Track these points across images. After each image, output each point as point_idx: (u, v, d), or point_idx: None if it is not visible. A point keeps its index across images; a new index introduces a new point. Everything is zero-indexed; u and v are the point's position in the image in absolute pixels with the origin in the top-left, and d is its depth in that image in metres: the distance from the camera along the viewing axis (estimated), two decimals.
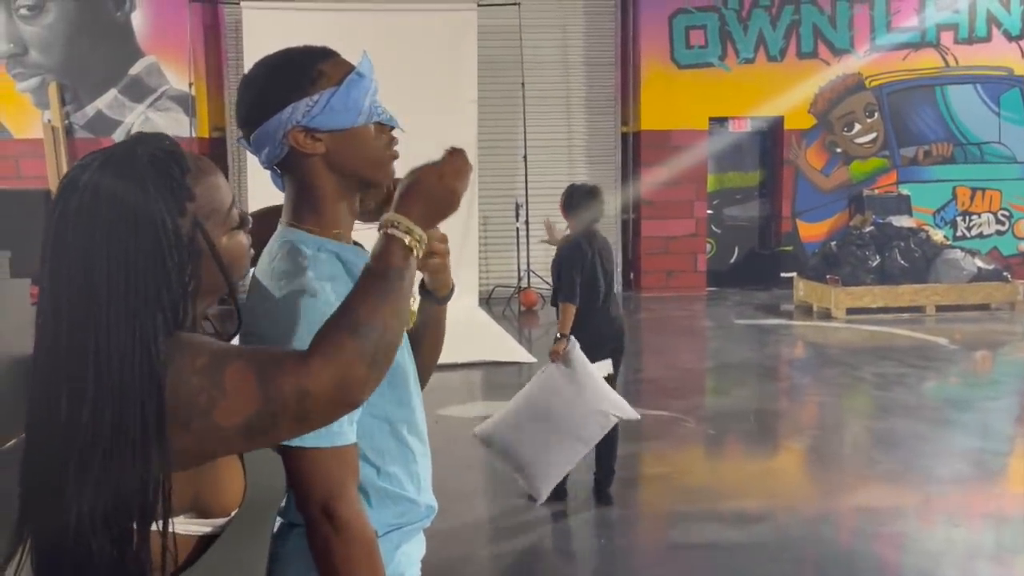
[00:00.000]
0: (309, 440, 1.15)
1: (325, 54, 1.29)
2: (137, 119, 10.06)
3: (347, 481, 1.19)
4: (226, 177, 1.24)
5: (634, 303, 10.43)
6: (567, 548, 3.56)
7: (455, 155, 1.21)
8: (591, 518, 3.90)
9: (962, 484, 4.30)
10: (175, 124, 10.03)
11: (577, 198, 4.07)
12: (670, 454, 4.86)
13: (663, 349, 7.91)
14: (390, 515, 1.32)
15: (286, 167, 1.29)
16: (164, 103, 10.08)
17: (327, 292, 1.19)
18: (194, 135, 10.02)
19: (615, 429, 3.83)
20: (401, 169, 1.37)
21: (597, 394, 3.61)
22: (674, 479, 4.46)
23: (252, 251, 1.21)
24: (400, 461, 1.32)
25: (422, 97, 8.46)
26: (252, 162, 9.59)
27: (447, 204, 1.18)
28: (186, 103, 9.99)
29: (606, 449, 4.01)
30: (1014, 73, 11.14)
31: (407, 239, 1.10)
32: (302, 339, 1.15)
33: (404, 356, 1.32)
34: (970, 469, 4.50)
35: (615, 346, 4.07)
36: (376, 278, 1.08)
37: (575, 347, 3.60)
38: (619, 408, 3.67)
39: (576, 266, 3.89)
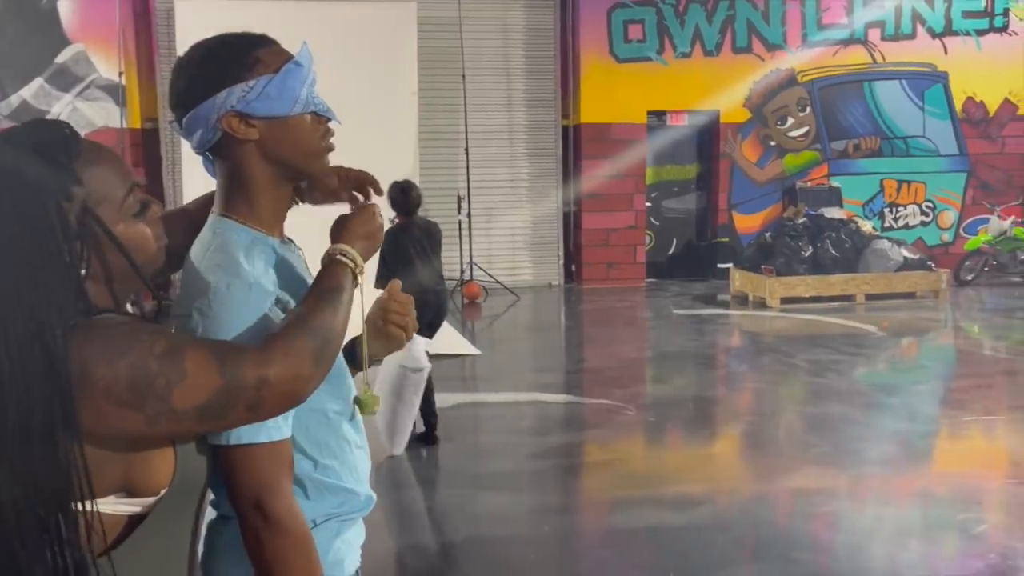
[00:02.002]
0: (245, 436, 1.15)
1: (263, 41, 1.28)
2: (64, 109, 9.75)
3: (281, 476, 1.19)
4: (159, 168, 1.25)
5: (576, 295, 10.53)
6: (511, 535, 3.60)
7: (368, 205, 1.36)
8: (535, 506, 3.95)
9: (891, 465, 4.47)
10: (105, 114, 9.76)
11: (392, 193, 4.73)
12: (612, 441, 4.94)
13: (604, 340, 8.02)
14: (328, 506, 1.31)
15: (219, 153, 1.27)
16: (93, 93, 9.78)
17: (261, 285, 1.19)
18: (125, 126, 9.76)
19: (430, 381, 4.53)
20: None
21: (400, 354, 4.01)
22: (616, 466, 4.54)
23: (163, 239, 1.20)
24: (337, 453, 1.32)
25: (363, 90, 8.39)
26: (187, 153, 9.39)
27: (376, 241, 1.32)
28: (116, 93, 9.72)
29: (423, 402, 4.65)
30: (937, 69, 11.55)
31: (353, 265, 1.25)
32: (234, 330, 1.15)
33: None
34: (898, 450, 4.69)
35: (431, 319, 4.69)
36: (329, 291, 1.20)
37: None
38: (415, 361, 4.26)
39: (392, 253, 4.59)
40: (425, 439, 4.73)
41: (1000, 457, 4.73)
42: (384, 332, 1.43)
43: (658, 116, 11.17)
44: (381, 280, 4.54)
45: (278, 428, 1.18)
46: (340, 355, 1.34)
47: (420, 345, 4.35)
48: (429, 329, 4.70)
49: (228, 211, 1.28)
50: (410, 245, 4.68)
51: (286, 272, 1.26)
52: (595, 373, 6.68)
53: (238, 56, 1.24)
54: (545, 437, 5.01)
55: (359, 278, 1.26)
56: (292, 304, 1.22)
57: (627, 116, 10.90)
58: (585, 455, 4.86)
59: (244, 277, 1.18)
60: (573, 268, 11.32)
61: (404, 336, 1.45)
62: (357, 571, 1.40)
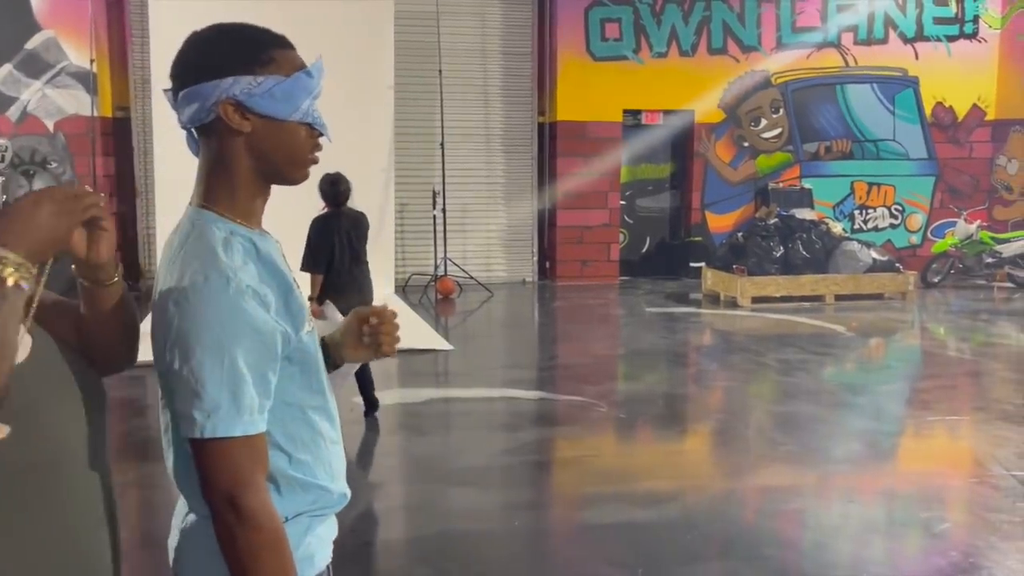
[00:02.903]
0: (220, 429, 1.15)
1: (283, 42, 1.28)
2: (34, 96, 9.60)
3: (255, 471, 1.18)
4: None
5: (549, 292, 10.56)
6: (482, 531, 3.62)
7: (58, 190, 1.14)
8: (506, 501, 3.97)
9: (857, 463, 4.54)
10: (75, 102, 9.63)
11: (322, 185, 4.84)
12: (583, 438, 4.97)
13: (577, 337, 8.05)
14: (301, 503, 1.31)
15: (205, 134, 1.26)
16: (63, 80, 9.64)
17: (239, 278, 1.18)
18: (96, 114, 9.63)
19: (366, 365, 4.66)
20: (320, 154, 1.37)
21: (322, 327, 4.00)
22: (586, 462, 4.57)
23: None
24: (312, 448, 1.31)
25: (339, 83, 8.29)
26: (159, 143, 9.28)
27: (48, 229, 1.10)
28: (87, 80, 9.59)
29: (362, 381, 4.83)
30: (908, 74, 11.72)
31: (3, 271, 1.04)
32: (211, 323, 1.15)
33: (314, 344, 1.32)
34: (865, 449, 4.76)
35: (356, 304, 4.75)
36: None
37: (330, 306, 3.81)
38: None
39: (318, 242, 4.81)
40: (368, 409, 4.96)
41: (963, 456, 4.82)
42: (379, 352, 1.55)
43: (634, 115, 11.22)
44: (305, 263, 4.77)
45: (254, 423, 1.18)
46: (318, 350, 1.34)
47: (340, 320, 4.41)
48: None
49: (207, 201, 1.27)
50: (335, 233, 4.86)
51: (264, 264, 1.25)
52: (567, 370, 6.70)
53: (255, 49, 1.24)
54: (516, 433, 5.03)
55: (17, 278, 1.05)
56: (269, 296, 1.21)
57: (603, 114, 10.95)
58: (556, 451, 4.88)
59: (222, 270, 1.17)
60: (547, 265, 11.35)
61: (394, 351, 1.58)
62: (328, 567, 1.40)
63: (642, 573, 3.18)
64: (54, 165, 9.65)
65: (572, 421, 5.26)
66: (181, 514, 1.35)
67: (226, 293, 1.16)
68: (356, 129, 8.20)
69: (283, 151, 1.27)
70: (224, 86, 1.22)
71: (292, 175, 1.31)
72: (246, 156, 1.26)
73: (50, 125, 9.62)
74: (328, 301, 4.08)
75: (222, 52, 1.24)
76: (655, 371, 6.71)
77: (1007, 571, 3.22)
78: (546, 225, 11.30)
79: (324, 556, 1.37)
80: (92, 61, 9.53)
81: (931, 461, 4.73)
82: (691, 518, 3.76)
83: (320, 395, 1.34)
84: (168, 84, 1.30)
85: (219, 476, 1.16)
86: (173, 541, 1.36)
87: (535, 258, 11.29)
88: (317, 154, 1.32)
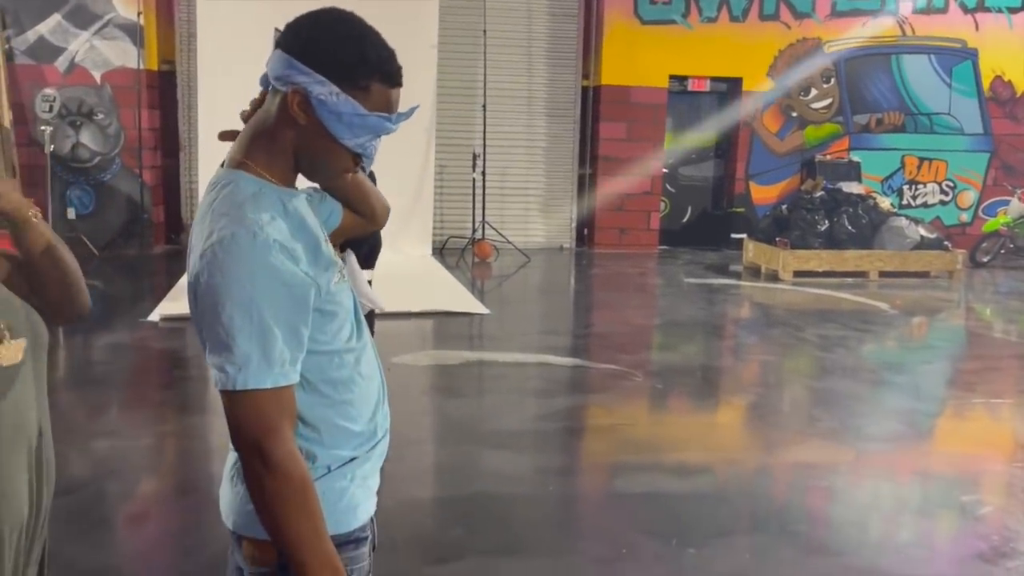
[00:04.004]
0: (252, 381, 1.17)
1: (391, 79, 1.27)
2: (82, 46, 9.69)
3: (282, 421, 1.20)
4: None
5: (587, 259, 10.50)
6: (516, 494, 3.63)
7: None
8: (539, 466, 3.98)
9: (895, 443, 4.47)
10: (122, 54, 9.70)
11: None
12: (617, 406, 4.95)
13: (614, 305, 8.01)
14: (346, 447, 1.34)
15: (273, 94, 1.28)
16: (110, 31, 9.71)
17: (265, 232, 1.19)
18: (142, 67, 9.70)
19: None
20: None
21: (356, 288, 4.02)
22: (620, 431, 4.56)
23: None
24: (352, 388, 1.35)
25: None
26: (203, 98, 9.34)
27: None
28: (134, 33, 9.64)
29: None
30: (967, 45, 11.34)
31: None
32: (239, 278, 1.16)
33: (346, 294, 1.35)
34: (903, 428, 4.68)
35: (367, 253, 4.67)
36: None
37: (350, 255, 3.79)
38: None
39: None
40: None
41: (1005, 440, 4.73)
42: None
43: (680, 81, 11.02)
44: None
45: (285, 374, 1.20)
46: (351, 299, 1.36)
47: (366, 285, 4.46)
48: (366, 261, 4.88)
49: (245, 157, 1.29)
50: None
51: (292, 220, 1.27)
52: (603, 338, 6.68)
53: (360, 72, 1.24)
54: (551, 399, 5.03)
55: None
56: (299, 250, 1.23)
57: (648, 79, 10.77)
58: (590, 418, 4.88)
59: (248, 225, 1.19)
60: (586, 232, 11.27)
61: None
62: (372, 518, 1.42)
63: (675, 543, 3.17)
64: (100, 116, 9.76)
65: (606, 389, 5.24)
66: (231, 462, 1.38)
67: (253, 248, 1.17)
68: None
69: (320, 159, 1.30)
70: (307, 77, 1.23)
71: (317, 179, 1.36)
72: (291, 140, 1.28)
73: (97, 76, 9.71)
74: (348, 249, 4.12)
75: (332, 52, 1.24)
76: (692, 342, 6.66)
77: None
78: (586, 191, 11.21)
79: (367, 508, 1.39)
80: (139, 14, 9.57)
81: (972, 443, 4.64)
82: (724, 491, 3.74)
83: (357, 340, 1.37)
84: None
85: (247, 426, 1.19)
86: (225, 490, 1.39)
87: (573, 224, 11.22)
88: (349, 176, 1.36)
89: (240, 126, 1.37)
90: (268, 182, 1.27)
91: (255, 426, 1.18)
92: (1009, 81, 11.48)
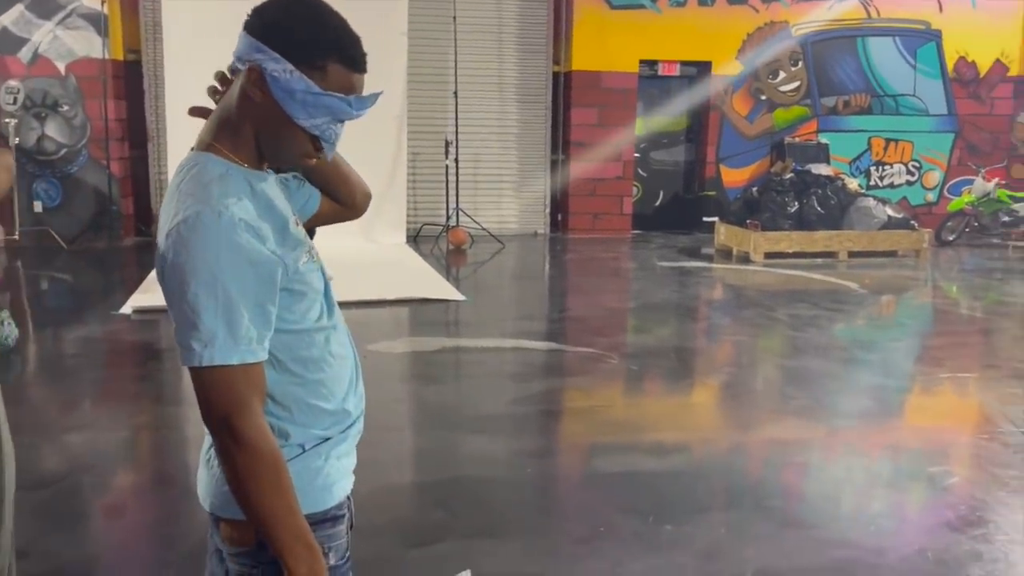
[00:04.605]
0: (218, 357, 1.18)
1: (353, 63, 1.28)
2: (45, 37, 9.52)
3: (251, 397, 1.21)
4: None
5: (561, 244, 10.54)
6: (495, 477, 3.66)
7: None
8: (518, 449, 4.01)
9: (866, 418, 4.57)
10: (86, 44, 9.54)
11: None
12: (593, 389, 5.00)
13: (588, 289, 8.06)
14: (318, 426, 1.35)
15: (237, 77, 1.29)
16: (74, 21, 9.54)
17: (231, 211, 1.20)
18: (107, 57, 9.56)
19: None
20: None
21: None
22: (597, 412, 4.61)
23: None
24: (324, 368, 1.36)
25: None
26: (170, 86, 9.23)
27: None
28: (98, 22, 9.49)
29: None
30: (931, 27, 11.49)
31: None
32: (204, 257, 1.17)
33: (313, 272, 1.35)
34: (873, 404, 4.78)
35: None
36: None
37: None
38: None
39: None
40: None
41: (973, 413, 4.84)
42: None
43: (650, 65, 11.06)
44: None
45: (252, 351, 1.21)
46: (320, 279, 1.37)
47: None
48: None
49: (214, 140, 1.30)
50: None
51: (259, 200, 1.28)
52: (578, 322, 6.72)
53: (318, 52, 1.24)
54: (528, 383, 5.06)
55: None
56: (265, 229, 1.24)
57: (619, 65, 10.80)
58: (567, 401, 4.92)
59: (213, 205, 1.20)
60: (559, 217, 11.30)
61: None
62: (348, 497, 1.43)
63: (652, 520, 3.22)
64: (66, 108, 9.61)
65: (583, 372, 5.29)
66: (206, 446, 1.39)
67: (218, 226, 1.18)
68: (369, 76, 8.10)
69: (276, 140, 1.30)
70: (264, 54, 1.24)
71: (274, 159, 1.34)
72: (251, 120, 1.29)
73: (62, 67, 9.55)
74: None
75: (290, 30, 1.24)
76: (666, 325, 6.72)
77: (1014, 525, 3.25)
78: (559, 177, 11.23)
79: (344, 487, 1.40)
80: (103, 2, 9.42)
81: (940, 417, 4.75)
82: (700, 469, 3.80)
83: (328, 319, 1.38)
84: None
85: (216, 402, 1.20)
86: (201, 474, 1.40)
87: (547, 210, 11.25)
88: (311, 160, 1.34)
89: (209, 103, 1.38)
90: (235, 164, 1.28)
91: (224, 402, 1.19)
92: (973, 62, 11.65)
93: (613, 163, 11.07)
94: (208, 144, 1.30)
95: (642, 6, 10.83)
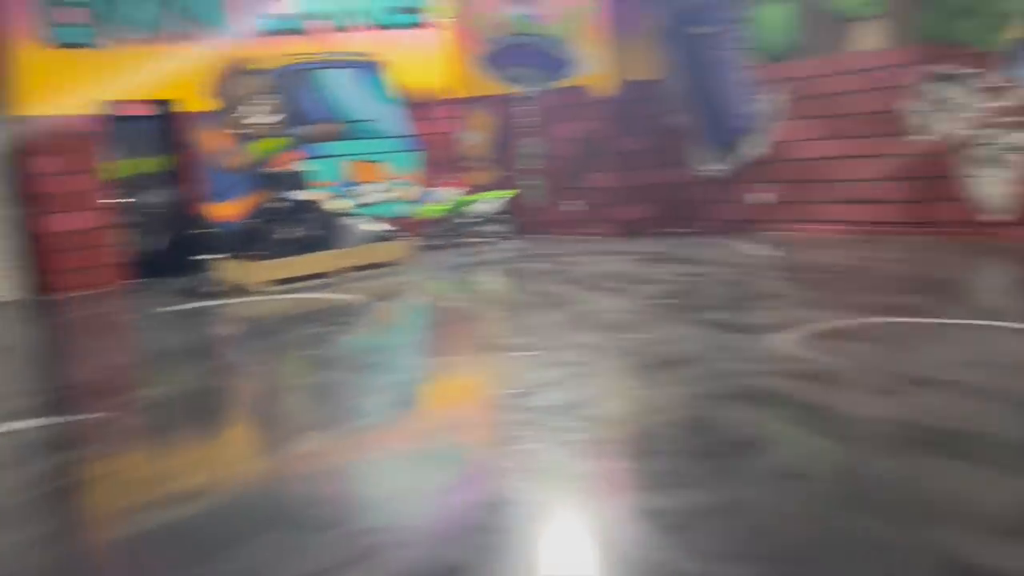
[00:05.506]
0: None
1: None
2: None
3: None
4: None
5: (46, 308, 9.44)
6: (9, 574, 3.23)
7: None
8: (24, 538, 3.58)
9: (388, 413, 5.00)
10: None
11: None
12: (110, 453, 4.65)
13: (88, 351, 7.39)
14: None
15: None
16: None
17: None
18: None
19: None
20: None
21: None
22: (119, 476, 4.31)
23: None
24: None
25: None
26: None
27: None
28: None
29: None
30: (375, 59, 12.81)
31: None
32: None
33: None
34: (393, 399, 5.25)
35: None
36: None
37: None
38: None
39: None
40: None
41: (472, 389, 5.60)
42: None
43: (114, 106, 10.46)
44: None
45: None
46: None
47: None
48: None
49: None
50: None
51: None
52: (78, 388, 6.15)
53: None
54: (27, 467, 4.51)
55: None
56: None
57: (78, 107, 10.01)
58: (81, 473, 4.50)
59: None
60: (38, 280, 10.09)
61: None
62: None
63: (196, 564, 3.16)
64: None
65: (94, 439, 4.88)
66: None
67: None
68: None
69: None
70: None
71: None
72: None
73: None
74: None
75: None
76: (177, 371, 6.49)
77: (539, 468, 3.88)
78: (28, 235, 10.01)
79: None
80: None
81: (449, 398, 5.41)
82: (238, 501, 3.81)
83: None
84: None
85: None
86: None
87: (16, 273, 9.95)
88: None
89: None
90: None
91: None
92: (418, 88, 13.25)
93: (91, 212, 10.23)
94: None
95: (90, 44, 10.17)
